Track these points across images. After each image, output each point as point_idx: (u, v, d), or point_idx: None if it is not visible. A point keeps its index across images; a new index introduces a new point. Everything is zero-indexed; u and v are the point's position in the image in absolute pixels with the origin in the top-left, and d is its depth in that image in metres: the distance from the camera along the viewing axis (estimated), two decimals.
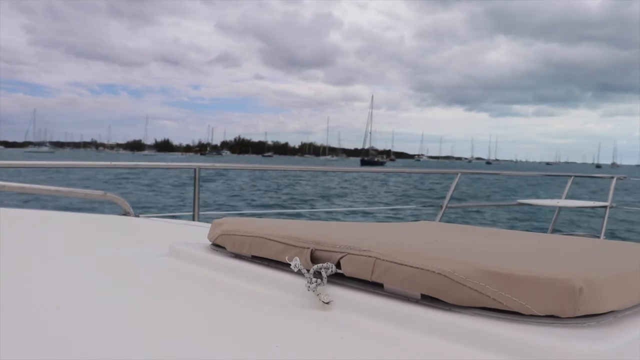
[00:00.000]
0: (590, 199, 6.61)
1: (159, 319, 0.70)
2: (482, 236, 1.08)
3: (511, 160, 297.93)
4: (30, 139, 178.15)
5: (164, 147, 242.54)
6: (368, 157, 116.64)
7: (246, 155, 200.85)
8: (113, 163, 3.40)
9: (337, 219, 9.30)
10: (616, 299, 0.68)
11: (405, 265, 0.73)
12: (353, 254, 0.80)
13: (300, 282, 0.82)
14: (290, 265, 0.84)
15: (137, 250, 1.21)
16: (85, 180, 21.43)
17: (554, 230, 5.69)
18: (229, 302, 0.80)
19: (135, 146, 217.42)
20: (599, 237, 5.06)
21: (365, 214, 12.35)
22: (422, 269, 0.71)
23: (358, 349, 0.62)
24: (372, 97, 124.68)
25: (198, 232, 1.53)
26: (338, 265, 0.81)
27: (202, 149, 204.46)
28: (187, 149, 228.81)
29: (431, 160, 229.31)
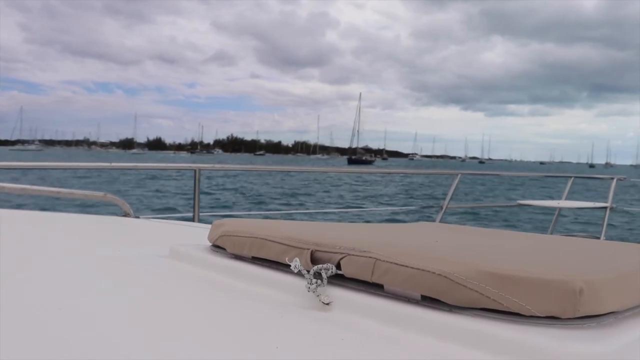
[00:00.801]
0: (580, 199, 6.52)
1: (160, 320, 0.70)
2: (482, 237, 1.08)
3: (506, 160, 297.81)
4: (18, 137, 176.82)
5: (156, 145, 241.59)
6: (356, 155, 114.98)
7: (239, 154, 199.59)
8: (113, 164, 3.37)
9: (337, 220, 9.55)
10: (616, 300, 0.68)
11: (406, 266, 0.73)
12: (353, 255, 0.80)
13: (300, 283, 0.82)
14: (290, 266, 0.84)
15: (137, 251, 1.22)
16: (79, 178, 21.29)
17: (554, 231, 5.68)
18: (229, 303, 0.80)
19: (127, 144, 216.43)
20: (599, 238, 5.01)
21: (365, 214, 12.47)
22: (422, 269, 0.71)
23: (358, 349, 0.62)
24: (360, 94, 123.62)
25: (198, 233, 1.54)
26: (338, 266, 0.81)
27: (193, 147, 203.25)
28: (179, 147, 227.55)
29: (424, 159, 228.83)
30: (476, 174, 6.37)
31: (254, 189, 22.80)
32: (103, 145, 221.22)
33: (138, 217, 2.06)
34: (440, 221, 4.42)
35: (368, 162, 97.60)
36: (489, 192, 25.55)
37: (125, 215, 2.04)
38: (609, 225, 5.51)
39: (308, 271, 0.81)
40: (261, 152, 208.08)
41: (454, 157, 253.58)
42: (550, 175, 7.39)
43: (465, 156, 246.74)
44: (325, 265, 0.81)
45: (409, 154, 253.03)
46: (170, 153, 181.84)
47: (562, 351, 0.57)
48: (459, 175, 4.98)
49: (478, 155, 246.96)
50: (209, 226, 1.19)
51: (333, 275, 0.81)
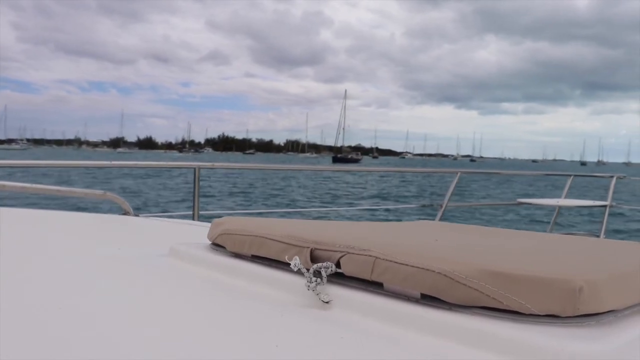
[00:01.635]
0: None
1: (159, 319, 0.70)
2: (481, 236, 1.08)
3: (498, 158, 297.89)
4: (1, 136, 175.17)
5: (147, 144, 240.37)
6: (342, 154, 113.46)
7: (229, 153, 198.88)
8: (113, 162, 3.39)
9: (337, 219, 9.48)
10: (616, 299, 0.68)
11: (405, 264, 0.73)
12: (353, 254, 0.80)
13: (300, 282, 0.82)
14: (290, 264, 0.84)
15: (137, 250, 1.22)
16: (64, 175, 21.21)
17: (554, 230, 5.69)
18: (229, 302, 0.80)
19: (117, 143, 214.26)
20: (598, 236, 5.01)
21: (365, 213, 12.53)
22: (422, 268, 0.71)
23: (358, 348, 0.62)
24: (345, 92, 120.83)
25: (198, 232, 1.54)
26: (338, 265, 0.81)
27: (182, 146, 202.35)
28: (170, 146, 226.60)
29: (416, 157, 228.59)
30: (476, 173, 6.21)
31: (216, 186, 22.71)
32: (95, 144, 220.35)
33: (138, 216, 2.04)
34: (439, 220, 4.44)
35: (354, 161, 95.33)
36: (480, 190, 25.46)
37: (125, 213, 2.02)
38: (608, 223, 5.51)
39: (308, 269, 0.81)
40: (251, 151, 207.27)
41: (446, 156, 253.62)
42: (549, 173, 7.30)
43: (457, 154, 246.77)
44: (324, 264, 0.80)
45: (402, 153, 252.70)
46: (161, 152, 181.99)
47: (561, 350, 0.57)
48: (458, 174, 4.97)
49: (470, 153, 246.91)
50: (209, 225, 1.19)
51: (333, 274, 0.81)
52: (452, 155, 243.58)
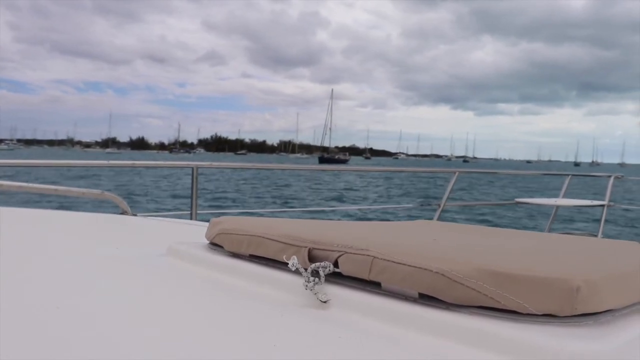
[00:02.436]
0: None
1: (157, 318, 0.70)
2: (479, 235, 1.08)
3: (493, 159, 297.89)
4: None
5: (139, 145, 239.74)
6: (328, 154, 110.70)
7: (222, 153, 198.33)
8: (110, 162, 3.42)
9: (335, 218, 9.48)
10: (614, 298, 0.69)
11: (403, 264, 0.73)
12: (351, 253, 0.80)
13: (298, 281, 0.82)
14: (288, 264, 0.84)
15: (135, 249, 1.22)
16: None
17: (552, 229, 5.73)
18: (227, 301, 0.80)
19: (109, 144, 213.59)
20: (596, 236, 4.99)
21: (363, 213, 12.57)
22: (420, 267, 0.71)
23: (356, 347, 0.62)
24: (332, 91, 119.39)
25: (196, 231, 1.54)
26: (336, 264, 0.81)
27: (172, 146, 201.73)
28: (162, 146, 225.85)
29: (410, 158, 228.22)
30: (474, 172, 6.28)
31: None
32: (87, 144, 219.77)
33: (136, 215, 2.05)
34: (437, 219, 4.41)
35: (341, 161, 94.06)
36: (468, 189, 25.35)
37: (123, 213, 2.03)
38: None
39: (305, 269, 0.81)
40: (243, 152, 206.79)
41: (441, 156, 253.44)
42: (546, 173, 7.29)
43: (451, 155, 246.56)
44: (322, 263, 0.80)
45: (396, 153, 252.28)
46: (154, 152, 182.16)
47: (559, 349, 0.57)
48: (456, 174, 4.96)
49: (464, 153, 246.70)
50: (207, 224, 1.19)
51: (331, 273, 0.81)
52: (447, 156, 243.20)
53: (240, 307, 0.78)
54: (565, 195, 5.76)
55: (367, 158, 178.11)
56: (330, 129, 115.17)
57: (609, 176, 5.70)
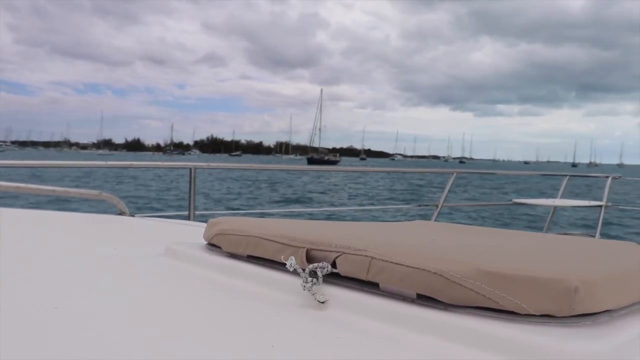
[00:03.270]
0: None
1: (155, 319, 0.70)
2: (477, 236, 1.08)
3: (491, 160, 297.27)
4: None
5: (135, 146, 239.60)
6: (318, 155, 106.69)
7: (217, 155, 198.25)
8: (108, 163, 3.43)
9: (333, 219, 9.50)
10: (612, 299, 0.69)
11: (401, 264, 0.73)
12: (349, 254, 0.80)
13: (295, 282, 0.82)
14: (285, 264, 0.84)
15: (133, 250, 1.22)
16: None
17: (550, 230, 5.75)
18: (225, 302, 0.80)
19: (105, 145, 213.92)
20: (594, 236, 5.01)
21: (361, 213, 12.56)
22: (417, 268, 0.71)
23: (354, 348, 0.63)
24: (322, 90, 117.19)
25: (194, 232, 1.55)
26: (334, 265, 0.81)
27: (168, 147, 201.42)
28: (158, 148, 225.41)
29: (406, 159, 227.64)
30: (471, 173, 6.24)
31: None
32: (84, 146, 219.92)
33: (133, 216, 2.05)
34: (435, 220, 4.41)
35: (331, 162, 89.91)
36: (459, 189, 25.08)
37: (121, 213, 2.03)
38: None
39: (303, 270, 0.81)
40: (237, 153, 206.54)
41: (438, 157, 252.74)
42: (543, 174, 7.27)
43: (448, 156, 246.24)
44: (320, 264, 0.81)
45: (393, 154, 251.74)
46: (149, 154, 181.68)
47: (557, 349, 0.57)
48: (454, 174, 4.98)
49: (462, 154, 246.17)
50: (205, 225, 1.20)
51: (328, 274, 0.81)
52: (444, 157, 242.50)
53: (238, 307, 0.78)
54: (563, 196, 5.74)
55: (362, 159, 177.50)
56: (320, 129, 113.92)
57: (607, 177, 5.69)
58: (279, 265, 0.89)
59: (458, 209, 12.98)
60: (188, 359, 0.57)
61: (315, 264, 0.81)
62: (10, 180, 2.09)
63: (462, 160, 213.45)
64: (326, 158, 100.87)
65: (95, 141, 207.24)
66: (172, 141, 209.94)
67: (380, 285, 0.76)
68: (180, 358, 0.57)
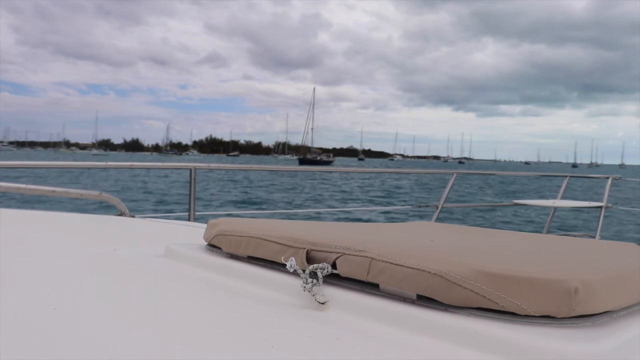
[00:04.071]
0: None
1: (155, 320, 0.71)
2: (477, 236, 1.08)
3: (492, 160, 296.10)
4: None
5: (134, 146, 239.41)
6: (311, 155, 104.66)
7: (216, 155, 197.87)
8: (108, 163, 3.44)
9: (333, 220, 9.56)
10: (611, 300, 0.69)
11: (401, 265, 0.73)
12: (349, 255, 0.80)
13: (296, 283, 0.83)
14: (286, 265, 0.84)
15: (133, 250, 1.22)
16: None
17: (550, 231, 5.79)
18: (225, 303, 0.80)
19: (104, 145, 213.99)
20: (594, 237, 5.02)
21: (361, 214, 12.51)
22: (417, 269, 0.71)
23: (354, 349, 0.63)
24: (314, 89, 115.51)
25: (194, 233, 1.56)
26: (334, 266, 0.81)
27: (164, 147, 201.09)
28: (156, 148, 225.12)
29: (406, 159, 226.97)
30: (472, 173, 6.33)
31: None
32: (84, 146, 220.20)
33: (134, 217, 2.06)
34: (435, 221, 4.51)
35: (324, 163, 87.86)
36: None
37: (121, 214, 2.04)
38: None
39: (304, 270, 0.81)
40: (235, 153, 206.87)
41: (439, 157, 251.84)
42: (543, 174, 7.25)
43: (448, 156, 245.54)
44: (320, 265, 0.81)
45: (393, 154, 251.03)
46: (147, 154, 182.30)
47: (557, 350, 0.57)
48: (454, 175, 5.01)
49: (464, 155, 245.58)
50: (205, 225, 1.19)
51: (329, 275, 0.81)
52: (444, 157, 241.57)
53: (238, 308, 0.78)
54: (564, 197, 5.71)
55: (360, 159, 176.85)
56: (312, 129, 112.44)
57: (607, 177, 5.66)
58: (279, 266, 0.89)
59: (458, 209, 12.91)
60: (187, 359, 0.58)
61: (316, 265, 0.80)
62: (11, 180, 2.08)
63: (461, 161, 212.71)
64: (319, 158, 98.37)
65: (94, 142, 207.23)
66: (170, 141, 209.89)
67: (381, 286, 0.76)
68: (180, 359, 0.58)
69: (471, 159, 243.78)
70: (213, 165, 4.01)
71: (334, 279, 0.81)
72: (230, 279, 0.93)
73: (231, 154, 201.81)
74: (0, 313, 0.70)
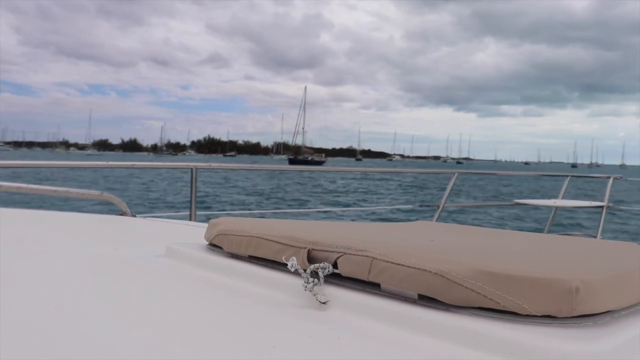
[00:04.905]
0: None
1: (156, 319, 0.71)
2: (478, 236, 1.08)
3: (491, 160, 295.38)
4: None
5: (131, 146, 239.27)
6: (302, 155, 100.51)
7: (214, 155, 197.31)
8: (110, 163, 3.45)
9: (334, 219, 9.29)
10: (613, 299, 0.69)
11: (402, 265, 0.73)
12: (350, 254, 0.80)
13: (297, 282, 0.83)
14: (287, 265, 0.84)
15: (134, 250, 1.22)
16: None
17: (551, 230, 5.79)
18: (226, 302, 0.80)
19: (101, 145, 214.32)
20: (595, 236, 5.01)
21: (362, 213, 12.57)
22: (419, 268, 0.71)
23: (355, 349, 0.63)
24: (305, 88, 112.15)
25: (195, 232, 1.56)
26: (335, 265, 0.81)
27: (161, 148, 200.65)
28: (154, 148, 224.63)
29: (404, 159, 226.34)
30: (473, 173, 6.30)
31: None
32: (82, 146, 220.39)
33: (135, 216, 2.06)
34: (437, 220, 4.47)
35: (315, 163, 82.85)
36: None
37: (122, 214, 2.04)
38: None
39: (305, 270, 0.81)
40: (232, 153, 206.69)
41: (438, 158, 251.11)
42: (546, 174, 7.23)
43: (447, 156, 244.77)
44: (322, 264, 0.80)
45: (392, 155, 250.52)
46: (144, 154, 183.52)
47: (558, 350, 0.57)
48: (455, 175, 5.02)
49: (464, 155, 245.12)
50: (206, 225, 1.20)
51: (330, 274, 0.81)
52: (443, 158, 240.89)
53: (239, 308, 0.78)
54: (564, 197, 5.71)
55: (358, 160, 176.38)
56: (303, 128, 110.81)
57: (608, 177, 5.67)
58: (280, 266, 0.90)
59: (459, 209, 12.96)
60: (188, 359, 0.58)
61: (317, 265, 0.80)
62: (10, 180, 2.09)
63: (459, 161, 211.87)
64: (310, 158, 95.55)
65: (88, 142, 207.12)
66: (168, 141, 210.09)
67: (382, 286, 0.76)
68: (181, 359, 0.58)
69: (471, 159, 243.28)
70: (214, 164, 4.00)
71: (335, 278, 0.81)
72: (231, 279, 0.93)
73: (228, 154, 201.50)
74: (1, 313, 0.70)
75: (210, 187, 24.09)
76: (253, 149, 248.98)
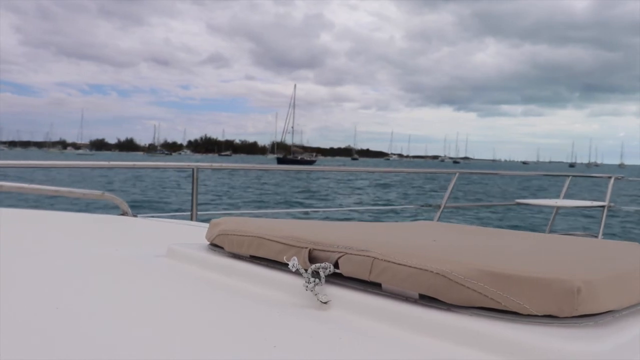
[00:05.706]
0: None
1: (157, 319, 0.71)
2: (480, 236, 1.08)
3: (490, 160, 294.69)
4: None
5: (128, 146, 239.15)
6: (291, 155, 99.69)
7: (210, 155, 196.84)
8: (111, 163, 3.46)
9: (335, 219, 9.48)
10: (614, 299, 0.69)
11: (404, 265, 0.73)
12: (351, 254, 0.80)
13: (298, 282, 0.83)
14: (288, 265, 0.84)
15: (135, 250, 1.22)
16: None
17: (552, 230, 5.79)
18: (227, 302, 0.81)
19: (98, 145, 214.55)
20: (596, 236, 5.03)
21: (363, 213, 12.59)
22: (420, 268, 0.71)
23: (356, 348, 0.63)
24: (295, 86, 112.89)
25: (196, 232, 1.56)
26: (336, 265, 0.81)
27: (160, 147, 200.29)
28: (151, 148, 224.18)
29: (402, 159, 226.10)
30: (474, 173, 6.22)
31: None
32: (79, 146, 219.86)
33: (136, 216, 2.07)
34: (438, 220, 4.42)
35: (306, 162, 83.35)
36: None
37: (123, 214, 2.05)
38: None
39: (306, 270, 0.81)
40: (227, 153, 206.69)
41: (437, 157, 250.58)
42: (547, 174, 7.19)
43: (445, 156, 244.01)
44: (323, 264, 0.81)
45: (390, 154, 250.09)
46: (139, 154, 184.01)
47: (560, 350, 0.57)
48: (456, 174, 5.03)
49: (462, 155, 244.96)
50: (207, 225, 1.22)
51: (331, 274, 0.81)
52: (441, 157, 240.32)
53: (240, 308, 0.78)
54: (565, 197, 5.73)
55: (354, 159, 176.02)
56: (292, 127, 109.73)
57: (609, 177, 5.69)
58: (282, 266, 0.90)
59: (461, 209, 13.03)
60: (189, 359, 0.58)
61: (318, 265, 0.80)
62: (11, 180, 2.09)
63: (456, 161, 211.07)
64: (299, 158, 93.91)
65: (81, 141, 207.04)
66: (165, 141, 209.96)
67: (383, 286, 0.76)
68: (182, 359, 0.58)
69: (470, 159, 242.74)
70: (215, 165, 4.00)
71: (336, 278, 0.81)
72: (232, 279, 0.93)
73: (223, 153, 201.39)
74: (1, 313, 0.70)
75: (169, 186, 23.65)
76: (250, 149, 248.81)
